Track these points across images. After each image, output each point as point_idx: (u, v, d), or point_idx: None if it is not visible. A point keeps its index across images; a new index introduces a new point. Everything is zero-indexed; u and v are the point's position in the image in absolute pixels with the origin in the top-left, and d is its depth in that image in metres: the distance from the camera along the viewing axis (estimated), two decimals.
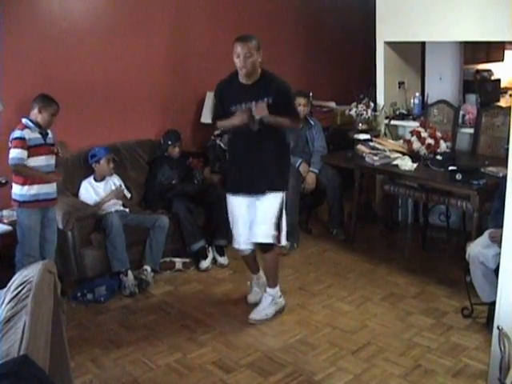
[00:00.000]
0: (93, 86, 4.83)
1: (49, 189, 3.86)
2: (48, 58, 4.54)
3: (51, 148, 3.87)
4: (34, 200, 3.78)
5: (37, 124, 3.77)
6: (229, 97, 3.57)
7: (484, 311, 3.57)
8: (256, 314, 3.75)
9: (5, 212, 4.13)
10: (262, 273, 3.94)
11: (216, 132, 5.06)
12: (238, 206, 3.69)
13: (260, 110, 3.44)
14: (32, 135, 3.73)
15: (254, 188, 3.61)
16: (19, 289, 2.08)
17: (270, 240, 3.62)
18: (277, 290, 3.82)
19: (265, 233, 3.61)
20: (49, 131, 3.88)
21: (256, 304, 3.83)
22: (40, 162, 3.78)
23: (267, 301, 3.78)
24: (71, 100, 4.70)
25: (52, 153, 3.88)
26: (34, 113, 3.77)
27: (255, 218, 3.63)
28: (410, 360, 3.23)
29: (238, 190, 3.66)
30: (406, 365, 3.18)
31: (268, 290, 3.81)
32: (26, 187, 3.75)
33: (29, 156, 3.70)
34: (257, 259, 3.92)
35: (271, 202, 3.61)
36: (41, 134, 3.79)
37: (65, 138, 4.63)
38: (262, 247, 3.69)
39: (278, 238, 3.65)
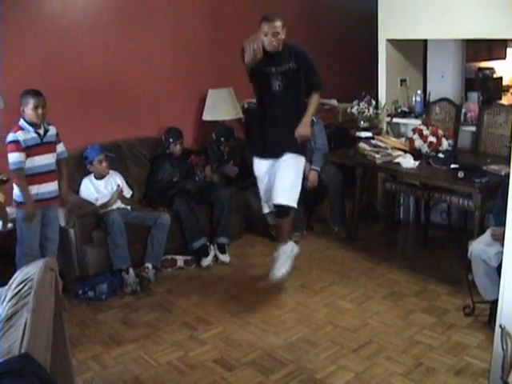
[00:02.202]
0: (94, 84, 4.82)
1: (48, 188, 3.79)
2: (49, 55, 4.53)
3: (50, 146, 3.79)
4: (34, 200, 3.72)
5: (31, 123, 3.67)
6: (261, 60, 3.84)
7: (486, 309, 3.57)
8: (277, 271, 3.97)
9: (7, 209, 4.11)
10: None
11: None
12: (263, 167, 4.00)
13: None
14: (27, 136, 3.64)
15: (279, 152, 3.90)
16: (20, 286, 2.08)
17: (288, 203, 3.84)
18: (290, 244, 4.10)
19: (283, 193, 3.85)
20: (50, 127, 3.81)
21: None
22: (36, 162, 3.70)
23: (285, 256, 4.02)
24: (73, 97, 4.72)
25: (51, 151, 3.80)
26: (22, 113, 3.68)
27: (275, 178, 3.88)
28: (411, 358, 3.23)
29: (268, 155, 3.97)
30: (408, 363, 3.18)
31: (284, 246, 4.05)
32: None
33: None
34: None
35: (294, 162, 3.90)
36: (37, 133, 3.70)
37: (66, 135, 4.64)
38: (279, 210, 3.91)
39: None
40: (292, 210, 3.93)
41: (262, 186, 4.06)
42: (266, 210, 4.10)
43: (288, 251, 4.06)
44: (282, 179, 3.85)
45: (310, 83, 3.91)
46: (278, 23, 3.75)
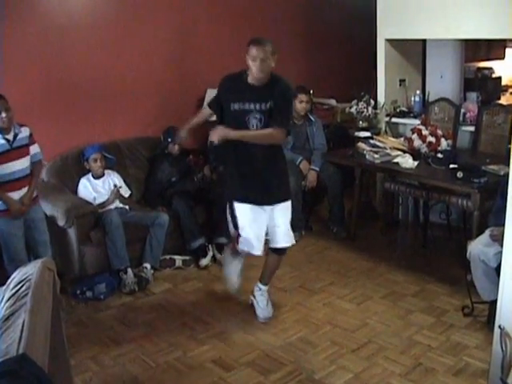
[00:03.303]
0: (93, 84, 4.81)
1: (23, 193, 3.68)
2: (49, 55, 4.53)
3: (22, 150, 3.63)
4: (7, 208, 3.61)
5: None
6: (232, 93, 3.45)
7: (485, 310, 3.57)
8: (264, 312, 3.77)
9: None
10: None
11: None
12: (249, 212, 3.54)
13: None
14: None
15: (271, 198, 3.56)
16: (18, 286, 2.07)
17: (292, 242, 3.69)
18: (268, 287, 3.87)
19: (287, 238, 3.66)
20: (22, 129, 3.66)
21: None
22: (9, 169, 3.56)
23: (264, 298, 3.81)
24: (72, 97, 4.71)
25: (24, 155, 3.65)
26: None
27: (275, 225, 3.61)
28: (410, 358, 3.22)
29: (251, 200, 3.52)
30: (407, 363, 3.17)
31: (262, 287, 3.83)
32: None
33: None
34: None
35: (287, 209, 3.64)
36: (5, 139, 3.54)
37: (65, 134, 4.66)
38: (281, 250, 3.72)
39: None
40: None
41: (249, 230, 3.54)
42: (255, 251, 3.58)
43: (266, 291, 3.86)
44: (283, 227, 3.61)
45: (273, 119, 3.38)
46: (269, 48, 3.28)
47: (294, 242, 3.72)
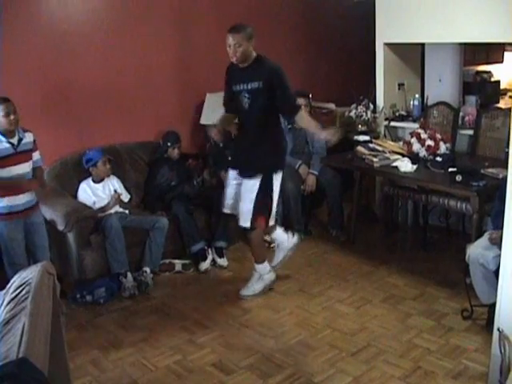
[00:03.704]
0: (93, 88, 4.82)
1: (24, 198, 3.67)
2: (48, 59, 4.53)
3: (26, 155, 3.64)
4: (8, 212, 3.61)
5: (3, 133, 3.51)
6: (232, 77, 3.85)
7: (484, 313, 3.56)
8: (245, 290, 4.10)
9: None
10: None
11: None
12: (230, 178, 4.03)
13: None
14: None
15: (243, 170, 3.91)
16: (18, 290, 2.08)
17: (244, 224, 3.91)
18: (264, 266, 4.12)
19: (245, 217, 3.88)
20: (27, 135, 3.66)
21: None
22: (11, 172, 3.56)
23: (255, 277, 4.12)
24: (71, 102, 4.72)
25: (27, 160, 3.65)
26: None
27: (239, 201, 3.92)
28: (409, 362, 3.22)
29: (234, 167, 4.02)
30: (406, 367, 3.17)
31: (256, 266, 4.12)
32: None
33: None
34: None
35: (250, 190, 3.83)
36: (10, 143, 3.54)
37: (64, 139, 4.66)
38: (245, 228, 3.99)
39: (257, 221, 3.89)
40: (256, 229, 3.95)
41: (226, 190, 4.06)
42: (225, 210, 4.11)
43: (262, 271, 4.12)
44: (242, 206, 3.90)
45: (282, 110, 3.82)
46: (239, 34, 3.58)
47: (246, 225, 3.89)
